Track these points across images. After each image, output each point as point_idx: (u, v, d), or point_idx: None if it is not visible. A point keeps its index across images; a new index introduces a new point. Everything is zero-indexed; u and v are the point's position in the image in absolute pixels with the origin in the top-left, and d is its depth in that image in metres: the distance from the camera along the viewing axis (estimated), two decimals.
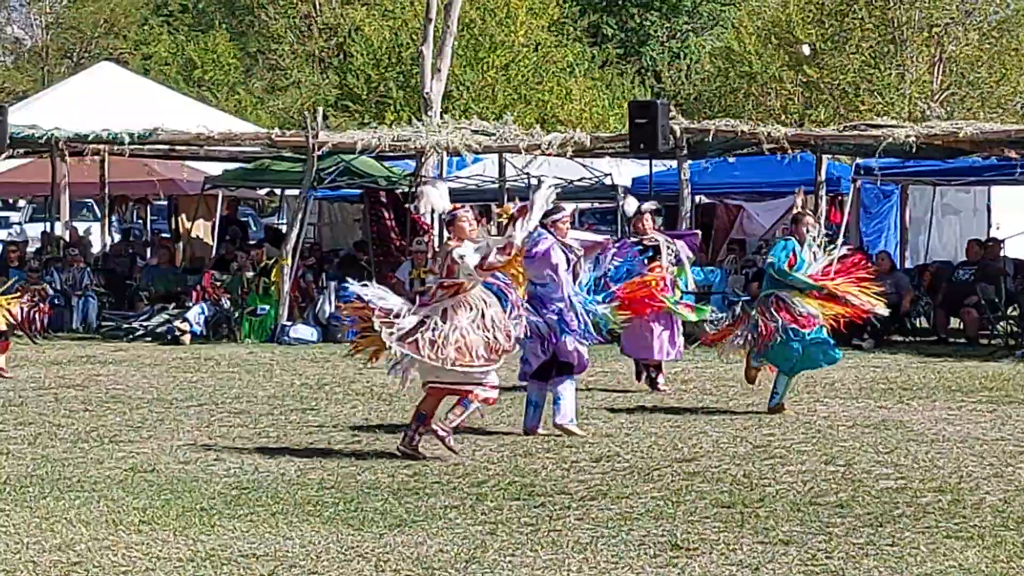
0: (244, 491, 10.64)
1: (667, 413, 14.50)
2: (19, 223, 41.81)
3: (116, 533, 9.32)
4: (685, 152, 22.18)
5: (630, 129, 22.17)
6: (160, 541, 9.11)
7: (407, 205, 25.42)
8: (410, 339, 11.74)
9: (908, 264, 25.08)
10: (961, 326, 22.05)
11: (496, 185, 26.49)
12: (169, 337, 21.84)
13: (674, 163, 22.80)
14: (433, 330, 11.75)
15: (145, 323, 22.58)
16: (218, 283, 22.87)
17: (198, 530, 9.40)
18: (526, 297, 12.90)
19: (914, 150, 21.70)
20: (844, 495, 10.47)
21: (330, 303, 23.10)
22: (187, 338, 21.79)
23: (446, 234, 12.48)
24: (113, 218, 32.60)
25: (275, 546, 9.00)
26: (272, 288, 22.53)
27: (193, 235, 28.76)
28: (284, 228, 31.41)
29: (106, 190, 27.58)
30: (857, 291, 14.31)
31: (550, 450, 12.31)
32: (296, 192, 24.47)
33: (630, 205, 16.61)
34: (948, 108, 36.84)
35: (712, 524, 9.58)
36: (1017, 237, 24.48)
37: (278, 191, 30.48)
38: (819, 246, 14.44)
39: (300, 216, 23.18)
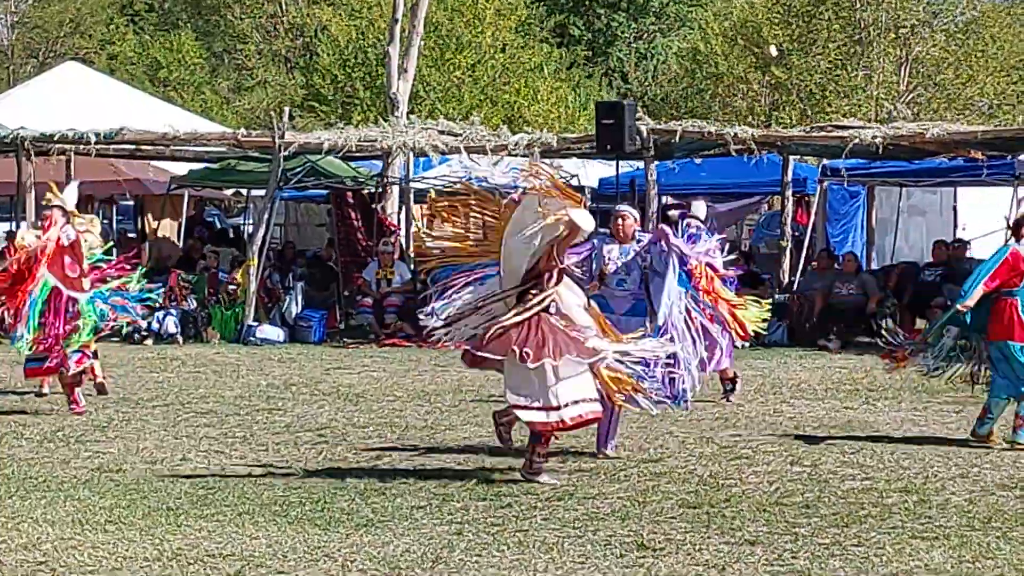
0: (210, 491, 10.61)
1: (633, 414, 14.47)
2: None
3: (82, 533, 9.29)
4: (652, 153, 22.17)
5: (597, 130, 22.16)
6: (126, 541, 9.08)
7: (374, 205, 25.38)
8: None
9: (874, 265, 25.12)
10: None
11: None
12: (136, 337, 21.76)
13: (641, 164, 22.82)
14: None
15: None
16: (185, 283, 22.78)
17: (164, 530, 9.37)
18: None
19: (880, 151, 21.73)
20: (810, 495, 10.50)
21: (297, 303, 23.03)
22: (150, 340, 21.72)
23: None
24: None
25: (241, 546, 8.98)
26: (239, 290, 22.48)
27: (160, 235, 28.66)
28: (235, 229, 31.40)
29: None
30: None
31: (516, 452, 12.29)
32: (262, 192, 24.41)
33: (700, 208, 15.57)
34: (915, 109, 36.97)
35: (678, 524, 9.60)
36: (983, 238, 24.55)
37: (244, 191, 30.39)
38: None
39: (266, 216, 23.12)
